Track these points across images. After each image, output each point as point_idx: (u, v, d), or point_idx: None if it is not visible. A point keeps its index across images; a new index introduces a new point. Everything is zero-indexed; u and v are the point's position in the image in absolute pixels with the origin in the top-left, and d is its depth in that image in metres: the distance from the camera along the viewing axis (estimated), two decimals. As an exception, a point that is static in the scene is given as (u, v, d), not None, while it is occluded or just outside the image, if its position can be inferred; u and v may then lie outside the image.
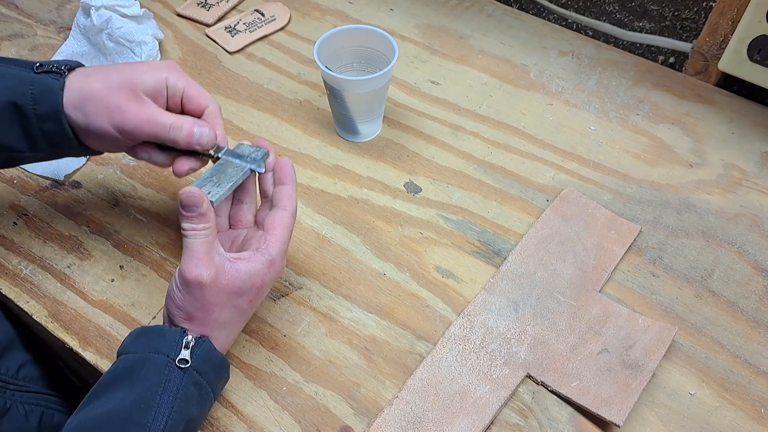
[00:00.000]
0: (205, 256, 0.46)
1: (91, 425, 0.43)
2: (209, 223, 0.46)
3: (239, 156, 0.52)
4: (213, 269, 0.46)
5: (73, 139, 0.51)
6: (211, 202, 0.47)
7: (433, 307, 0.58)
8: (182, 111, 0.53)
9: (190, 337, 0.46)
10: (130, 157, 0.69)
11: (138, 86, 0.50)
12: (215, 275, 0.46)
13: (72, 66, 0.52)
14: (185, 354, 0.46)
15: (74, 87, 0.50)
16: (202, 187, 0.48)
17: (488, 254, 0.62)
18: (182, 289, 0.46)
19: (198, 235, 0.46)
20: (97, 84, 0.50)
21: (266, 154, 0.53)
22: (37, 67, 0.51)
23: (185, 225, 0.46)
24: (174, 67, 0.53)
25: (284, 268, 0.52)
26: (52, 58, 0.79)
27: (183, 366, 0.45)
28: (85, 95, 0.50)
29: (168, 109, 0.53)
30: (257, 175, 0.54)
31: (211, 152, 0.52)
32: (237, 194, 0.54)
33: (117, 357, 0.48)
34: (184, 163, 0.53)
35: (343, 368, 0.55)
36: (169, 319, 0.48)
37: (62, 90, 0.50)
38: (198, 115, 0.53)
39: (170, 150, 0.53)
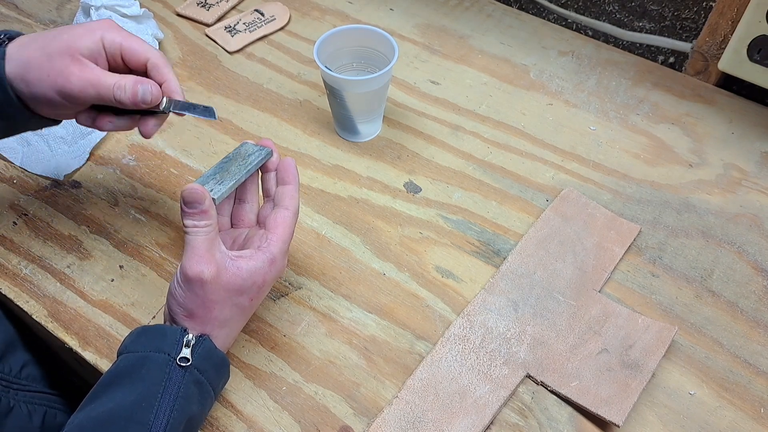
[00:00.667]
0: (207, 253, 0.46)
1: (93, 424, 0.43)
2: (211, 220, 0.46)
3: (190, 108, 0.51)
4: (214, 266, 0.46)
5: (23, 108, 0.50)
6: (213, 199, 0.48)
7: (432, 307, 0.58)
8: (127, 69, 0.52)
9: (190, 335, 0.47)
10: (130, 157, 0.70)
11: (76, 50, 0.49)
12: (216, 272, 0.46)
13: (12, 35, 0.51)
14: (186, 352, 0.46)
15: (14, 57, 0.49)
16: (204, 185, 0.49)
17: (488, 254, 0.62)
18: (183, 286, 0.46)
19: (200, 232, 0.46)
20: (35, 52, 0.49)
21: (270, 153, 0.53)
22: None
23: (187, 222, 0.46)
24: (111, 24, 0.51)
25: (285, 268, 0.52)
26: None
27: (184, 364, 0.45)
28: (25, 64, 0.49)
29: (111, 69, 0.51)
30: (259, 174, 0.54)
31: (162, 107, 0.51)
32: (239, 193, 0.54)
33: (117, 356, 0.48)
34: (148, 122, 0.52)
35: (343, 368, 0.55)
36: (170, 316, 0.48)
37: (3, 59, 0.49)
38: (142, 71, 0.52)
39: (127, 112, 0.52)
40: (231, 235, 0.53)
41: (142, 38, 0.74)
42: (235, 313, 0.49)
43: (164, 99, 0.51)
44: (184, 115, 0.52)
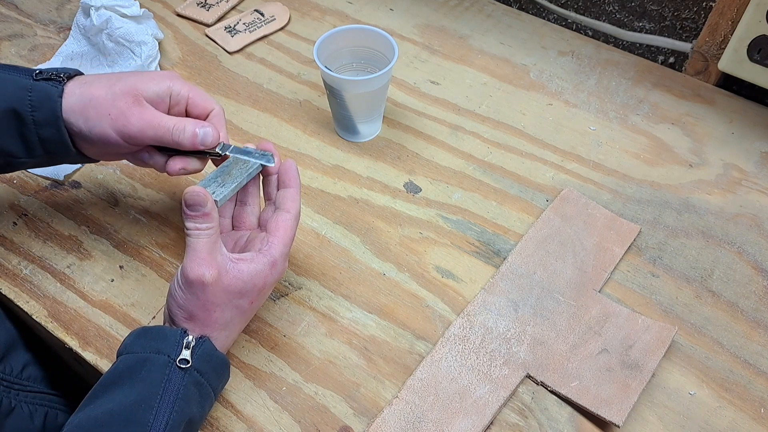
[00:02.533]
0: (208, 255, 0.46)
1: (92, 425, 0.43)
2: (213, 223, 0.46)
3: (246, 153, 0.53)
4: (215, 269, 0.46)
5: (71, 146, 0.52)
6: (216, 202, 0.48)
7: (432, 307, 0.58)
8: (187, 116, 0.54)
9: (190, 337, 0.47)
10: (130, 157, 0.69)
11: (141, 92, 0.51)
12: (217, 275, 0.46)
13: (71, 74, 0.52)
14: (186, 354, 0.46)
15: (75, 93, 0.50)
16: (206, 187, 0.49)
17: (488, 254, 0.62)
18: (184, 289, 0.46)
19: (201, 234, 0.46)
20: (100, 91, 0.50)
21: (271, 157, 0.53)
22: (36, 74, 0.51)
23: (189, 224, 0.46)
24: (177, 76, 0.53)
25: (286, 270, 0.52)
26: (52, 58, 0.79)
27: (184, 366, 0.45)
28: (87, 101, 0.50)
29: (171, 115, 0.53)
30: (261, 177, 0.54)
31: (218, 150, 0.53)
32: (240, 196, 0.54)
33: (117, 357, 0.48)
34: (177, 162, 0.53)
35: (343, 368, 0.55)
36: (170, 318, 0.48)
37: (61, 97, 0.50)
38: (203, 119, 0.54)
39: (172, 152, 0.53)
40: (232, 237, 0.53)
41: (144, 38, 0.75)
42: (235, 316, 0.49)
43: (220, 145, 0.53)
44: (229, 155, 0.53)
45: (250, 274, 0.47)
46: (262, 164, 0.52)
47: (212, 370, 0.47)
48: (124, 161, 0.69)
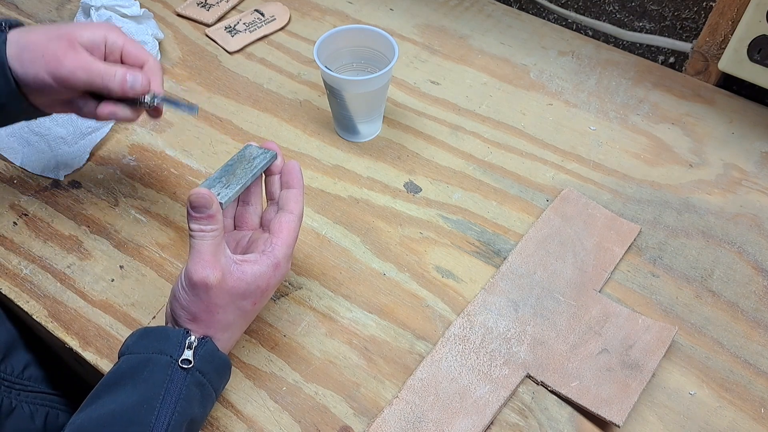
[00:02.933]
0: (212, 257, 0.46)
1: (94, 425, 0.43)
2: (218, 225, 0.46)
3: (174, 104, 0.53)
4: (219, 271, 0.46)
5: (18, 94, 0.51)
6: (220, 203, 0.47)
7: (432, 307, 0.58)
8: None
9: (192, 337, 0.47)
10: (131, 157, 0.70)
11: (75, 38, 0.51)
12: (221, 277, 0.46)
13: (12, 23, 0.53)
14: (188, 354, 0.46)
15: (14, 40, 0.51)
16: (211, 188, 0.48)
17: (488, 254, 0.62)
18: (188, 290, 0.46)
19: (206, 236, 0.46)
20: (37, 36, 0.51)
21: (274, 156, 0.53)
22: None
23: (193, 226, 0.46)
24: (114, 27, 0.54)
25: (289, 271, 0.52)
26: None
27: (186, 366, 0.45)
28: (24, 45, 0.50)
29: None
30: (264, 177, 0.54)
31: (146, 99, 0.53)
32: (243, 195, 0.54)
33: (119, 357, 0.48)
34: (107, 106, 0.53)
35: (343, 368, 0.55)
36: (173, 319, 0.48)
37: (4, 44, 0.50)
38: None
39: (106, 100, 0.53)
40: (234, 237, 0.53)
41: (144, 38, 0.75)
42: (238, 317, 0.49)
43: (149, 94, 0.53)
44: (161, 107, 0.54)
45: (254, 275, 0.47)
46: (267, 163, 0.52)
47: (214, 371, 0.47)
48: (125, 161, 0.69)
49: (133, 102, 0.53)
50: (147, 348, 0.46)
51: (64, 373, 0.70)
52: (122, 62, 0.54)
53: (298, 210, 0.51)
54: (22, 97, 0.52)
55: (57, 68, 0.50)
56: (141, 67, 0.54)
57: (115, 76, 0.51)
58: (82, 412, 0.45)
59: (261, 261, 0.48)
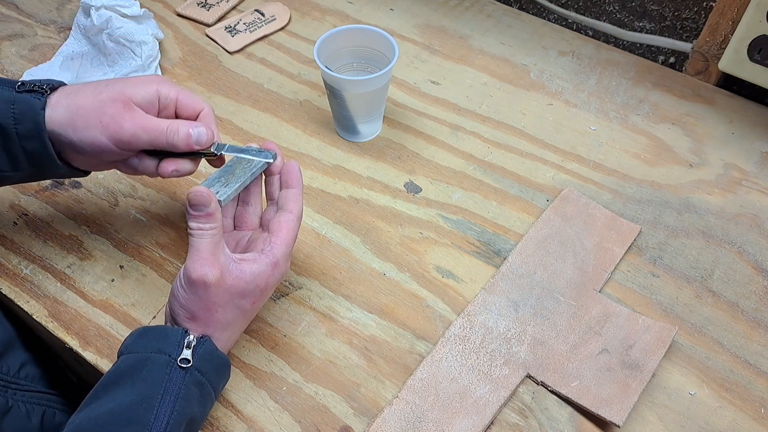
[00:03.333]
0: (211, 256, 0.46)
1: (93, 425, 0.43)
2: (216, 223, 0.46)
3: (245, 151, 0.53)
4: (218, 269, 0.46)
5: (56, 159, 0.51)
6: (219, 201, 0.48)
7: (433, 307, 0.58)
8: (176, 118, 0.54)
9: (191, 336, 0.47)
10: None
11: (130, 98, 0.50)
12: (220, 275, 0.46)
13: (54, 85, 0.51)
14: (187, 354, 0.46)
15: (62, 104, 0.50)
16: (210, 187, 0.49)
17: (488, 254, 0.62)
18: (187, 289, 0.46)
19: (205, 234, 0.46)
20: (87, 99, 0.50)
21: (274, 157, 0.53)
22: (18, 86, 0.50)
23: (192, 224, 0.46)
24: (164, 79, 0.53)
25: (288, 271, 0.52)
26: (52, 58, 0.79)
27: (185, 366, 0.45)
28: (74, 111, 0.49)
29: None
30: (263, 177, 0.54)
31: (213, 150, 0.52)
32: (243, 196, 0.54)
33: (118, 357, 0.48)
34: (169, 165, 0.52)
35: (343, 368, 0.55)
36: (172, 317, 0.48)
37: (44, 109, 0.49)
38: (193, 120, 0.53)
39: (161, 156, 0.53)
40: (234, 237, 0.53)
41: (144, 38, 0.75)
42: (237, 316, 0.49)
43: (214, 145, 0.53)
44: (225, 156, 0.53)
45: (253, 274, 0.47)
46: (266, 163, 0.52)
47: (213, 370, 0.47)
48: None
49: (196, 154, 0.53)
50: (146, 347, 0.46)
51: (61, 373, 0.70)
52: (176, 114, 0.53)
53: (297, 209, 0.51)
54: (62, 162, 0.52)
55: (118, 132, 0.49)
56: (196, 116, 0.53)
57: (179, 132, 0.50)
58: (81, 411, 0.45)
59: (260, 260, 0.48)
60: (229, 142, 0.71)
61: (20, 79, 0.52)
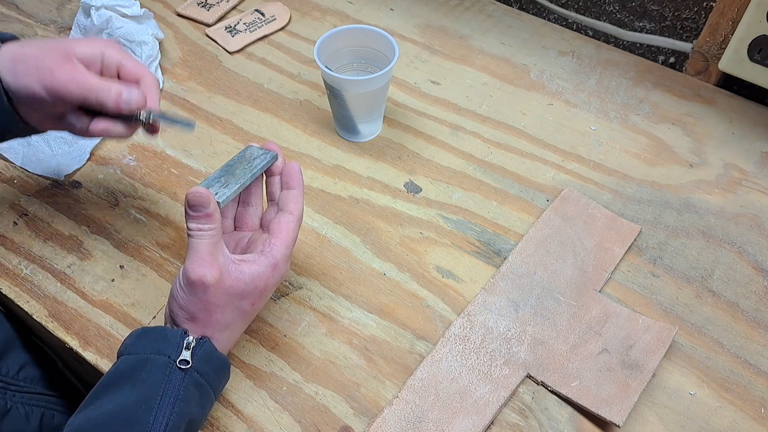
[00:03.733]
0: (210, 256, 0.46)
1: (92, 426, 0.43)
2: (215, 224, 0.46)
3: (170, 120, 0.52)
4: (217, 270, 0.46)
5: (9, 106, 0.50)
6: (218, 203, 0.47)
7: (433, 307, 0.58)
8: None
9: (191, 338, 0.47)
10: (131, 157, 0.70)
11: (71, 52, 0.50)
12: (219, 276, 0.46)
13: (7, 37, 0.52)
14: (186, 355, 0.46)
15: (9, 51, 0.50)
16: (209, 188, 0.48)
17: (488, 254, 0.62)
18: (186, 289, 0.46)
19: (204, 235, 0.46)
20: (32, 49, 0.50)
21: (275, 157, 0.53)
22: None
23: (191, 225, 0.46)
24: (112, 43, 0.53)
25: (288, 272, 0.52)
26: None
27: (184, 367, 0.45)
28: (19, 57, 0.49)
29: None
30: (264, 178, 0.54)
31: (142, 116, 0.52)
32: (243, 197, 0.54)
33: (117, 358, 0.48)
34: (100, 122, 0.52)
35: (343, 368, 0.55)
36: (171, 318, 0.48)
37: None
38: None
39: (100, 116, 0.52)
40: (234, 238, 0.53)
41: (144, 38, 0.75)
42: (236, 317, 0.49)
43: (145, 110, 0.52)
44: (158, 124, 0.53)
45: (252, 275, 0.47)
46: (266, 164, 0.52)
47: (212, 371, 0.47)
48: (125, 161, 0.69)
49: (128, 118, 0.52)
50: (145, 348, 0.46)
51: (60, 374, 0.70)
52: (119, 78, 0.53)
53: (298, 211, 0.51)
54: (14, 112, 0.51)
55: (50, 80, 0.49)
56: (137, 82, 0.53)
57: (110, 92, 0.50)
58: (80, 412, 0.45)
59: (259, 261, 0.48)
60: (229, 142, 0.71)
61: None
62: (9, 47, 0.50)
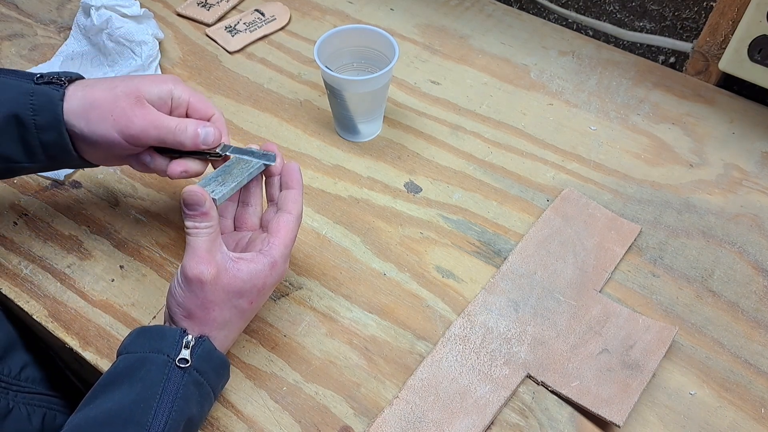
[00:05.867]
0: (207, 254, 0.46)
1: (91, 425, 0.43)
2: (212, 221, 0.47)
3: (247, 153, 0.53)
4: (214, 267, 0.46)
5: (72, 150, 0.51)
6: (214, 200, 0.48)
7: (433, 307, 0.58)
8: None
9: (190, 336, 0.47)
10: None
11: (143, 94, 0.51)
12: (216, 273, 0.46)
13: (72, 77, 0.52)
14: (185, 354, 0.46)
15: (77, 96, 0.50)
16: (206, 186, 0.49)
17: (488, 254, 0.62)
18: (183, 287, 0.46)
19: (201, 233, 0.46)
20: (102, 93, 0.50)
21: (273, 158, 0.53)
22: (37, 78, 0.51)
23: (188, 223, 0.46)
24: (178, 80, 0.54)
25: (287, 272, 0.52)
26: (52, 58, 0.79)
27: (183, 366, 0.45)
28: (89, 103, 0.50)
29: None
30: (263, 178, 0.54)
31: (219, 150, 0.53)
32: (243, 197, 0.54)
33: (117, 357, 0.48)
34: (178, 165, 0.53)
35: (343, 368, 0.55)
36: (170, 316, 0.48)
37: (62, 100, 0.50)
38: None
39: (173, 155, 0.53)
40: (234, 237, 0.53)
41: (144, 38, 0.75)
42: (234, 315, 0.49)
43: (220, 146, 0.53)
44: (231, 157, 0.53)
45: (250, 273, 0.47)
46: (264, 164, 0.52)
47: (212, 370, 0.47)
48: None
49: (203, 154, 0.53)
50: (144, 347, 0.47)
51: (62, 374, 0.70)
52: (187, 115, 0.54)
53: (297, 210, 0.51)
54: (76, 154, 0.52)
55: (127, 126, 0.50)
56: (208, 119, 0.54)
57: (187, 131, 0.51)
58: (79, 411, 0.45)
59: (257, 259, 0.48)
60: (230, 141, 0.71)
61: (37, 71, 0.52)
62: (76, 90, 0.51)
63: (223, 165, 0.52)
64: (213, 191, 0.49)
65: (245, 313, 0.50)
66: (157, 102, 0.52)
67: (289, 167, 0.52)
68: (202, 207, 0.46)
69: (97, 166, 0.57)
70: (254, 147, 0.54)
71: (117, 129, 0.50)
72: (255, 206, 0.54)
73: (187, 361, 0.46)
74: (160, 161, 0.54)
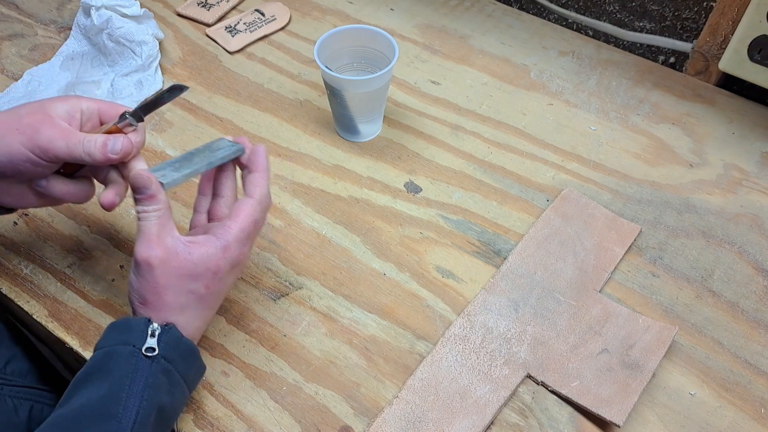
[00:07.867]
0: (156, 237, 0.46)
1: (63, 422, 0.43)
2: (159, 204, 0.47)
3: (158, 99, 0.51)
4: (162, 250, 0.46)
5: None
6: (162, 184, 0.47)
7: (433, 307, 0.58)
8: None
9: (155, 325, 0.46)
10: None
11: (49, 109, 0.49)
12: (165, 257, 0.46)
13: None
14: (152, 342, 0.46)
15: None
16: (159, 171, 0.49)
17: (488, 254, 0.62)
18: (134, 271, 0.47)
19: (149, 216, 0.46)
20: (3, 115, 0.48)
21: (241, 150, 0.52)
22: None
23: (137, 207, 0.47)
24: (84, 97, 0.52)
25: (248, 257, 0.51)
26: (53, 58, 0.79)
27: (150, 354, 0.45)
28: None
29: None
30: (235, 168, 0.53)
31: (128, 119, 0.50)
32: (215, 188, 0.53)
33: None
34: (109, 192, 0.51)
35: (343, 368, 0.55)
36: (131, 305, 0.48)
37: None
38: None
39: (84, 176, 0.52)
40: (206, 230, 0.53)
41: (144, 38, 0.75)
42: (191, 300, 0.48)
43: (127, 113, 0.50)
44: (143, 119, 0.51)
45: (201, 256, 0.47)
46: (228, 156, 0.51)
47: (179, 358, 0.47)
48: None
49: (104, 171, 0.51)
50: (112, 340, 0.47)
51: (49, 367, 0.70)
52: (101, 124, 0.51)
53: (258, 194, 0.50)
54: None
55: (34, 137, 0.47)
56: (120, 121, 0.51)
57: (95, 142, 0.48)
58: (56, 410, 0.45)
59: (210, 242, 0.47)
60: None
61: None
62: None
63: (186, 152, 0.51)
64: (164, 176, 0.48)
65: (204, 298, 0.49)
66: (66, 117, 0.49)
67: (253, 150, 0.52)
68: (149, 190, 0.46)
69: (10, 211, 0.54)
70: (227, 138, 0.53)
71: (22, 141, 0.47)
72: (227, 197, 0.53)
73: (154, 350, 0.45)
74: (55, 184, 0.51)
